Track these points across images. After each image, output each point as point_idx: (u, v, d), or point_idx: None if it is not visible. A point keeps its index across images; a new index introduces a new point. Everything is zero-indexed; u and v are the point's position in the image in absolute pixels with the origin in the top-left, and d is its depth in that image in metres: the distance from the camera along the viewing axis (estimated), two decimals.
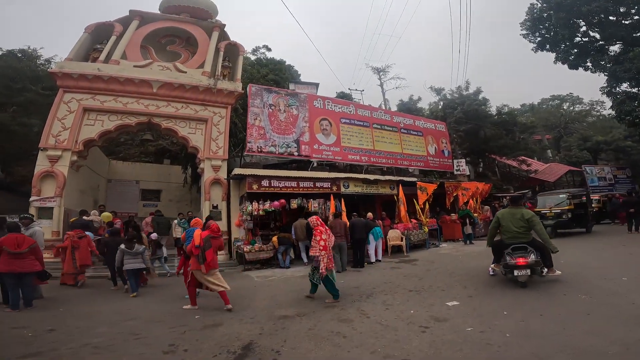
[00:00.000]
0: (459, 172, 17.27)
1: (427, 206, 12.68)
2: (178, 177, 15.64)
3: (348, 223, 9.18)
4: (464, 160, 18.11)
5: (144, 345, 3.70)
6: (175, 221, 10.73)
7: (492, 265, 6.31)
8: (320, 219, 6.03)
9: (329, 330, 4.11)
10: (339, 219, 9.01)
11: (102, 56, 10.67)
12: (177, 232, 10.51)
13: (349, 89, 29.09)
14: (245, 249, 9.36)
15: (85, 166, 11.10)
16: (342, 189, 11.49)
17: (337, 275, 7.95)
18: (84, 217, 8.95)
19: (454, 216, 13.63)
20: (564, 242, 9.65)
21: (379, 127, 15.08)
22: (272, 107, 12.26)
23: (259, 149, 11.51)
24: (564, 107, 39.92)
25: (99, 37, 11.31)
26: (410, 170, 15.75)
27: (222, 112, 11.40)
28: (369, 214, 10.25)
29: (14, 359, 3.23)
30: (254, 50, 20.44)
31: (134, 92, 10.44)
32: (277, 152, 11.89)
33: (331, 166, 13.32)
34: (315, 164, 12.60)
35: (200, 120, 11.11)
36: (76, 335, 3.99)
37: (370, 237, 9.48)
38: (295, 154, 12.22)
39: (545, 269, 5.53)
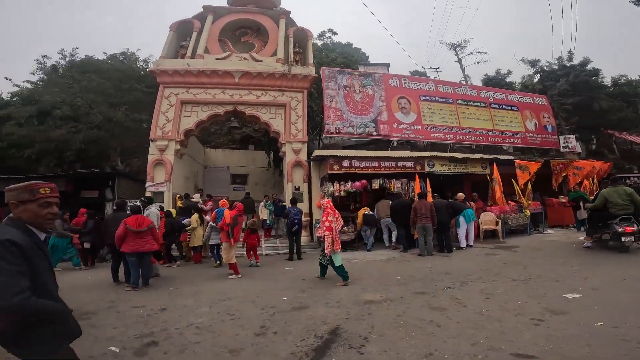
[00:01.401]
0: (567, 150, 14.74)
1: (529, 187, 11.09)
2: (262, 161, 16.54)
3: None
4: (573, 136, 15.40)
5: (238, 326, 3.84)
6: (262, 203, 11.39)
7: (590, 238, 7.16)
8: (331, 203, 6.02)
9: (420, 318, 3.79)
10: (423, 199, 8.44)
11: (188, 52, 11.61)
12: (264, 213, 11.16)
13: (422, 67, 26.89)
14: None
15: (187, 154, 12.41)
16: (427, 169, 10.73)
17: (423, 259, 7.55)
18: (192, 199, 10.18)
19: (563, 199, 11.70)
20: None
21: (464, 103, 13.70)
22: (347, 89, 11.99)
23: (337, 130, 11.40)
24: None
25: (182, 34, 12.31)
26: (504, 148, 13.99)
27: (299, 96, 11.58)
28: (460, 195, 9.38)
29: (132, 338, 3.58)
30: (320, 35, 20.23)
31: (219, 84, 11.20)
32: (355, 133, 11.65)
33: (412, 145, 12.55)
34: (395, 143, 12.02)
35: (279, 105, 11.44)
36: (183, 315, 4.29)
37: (461, 219, 8.70)
38: (374, 133, 11.81)
39: None
